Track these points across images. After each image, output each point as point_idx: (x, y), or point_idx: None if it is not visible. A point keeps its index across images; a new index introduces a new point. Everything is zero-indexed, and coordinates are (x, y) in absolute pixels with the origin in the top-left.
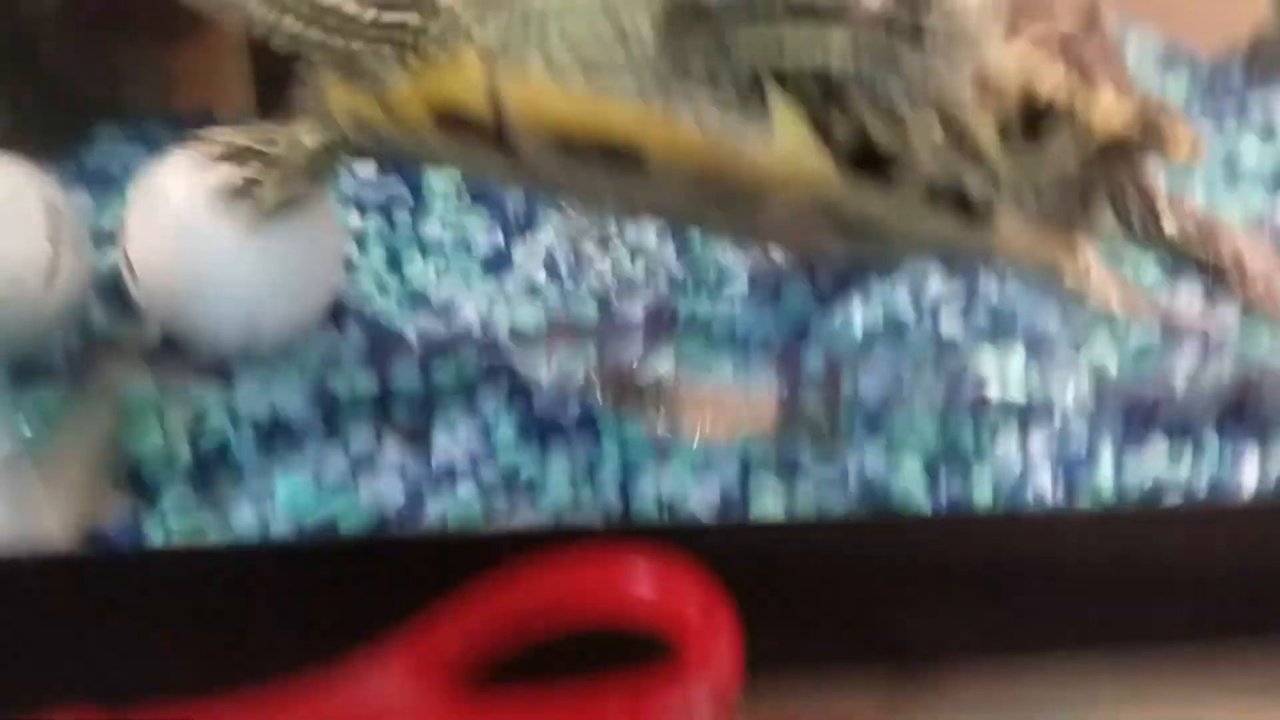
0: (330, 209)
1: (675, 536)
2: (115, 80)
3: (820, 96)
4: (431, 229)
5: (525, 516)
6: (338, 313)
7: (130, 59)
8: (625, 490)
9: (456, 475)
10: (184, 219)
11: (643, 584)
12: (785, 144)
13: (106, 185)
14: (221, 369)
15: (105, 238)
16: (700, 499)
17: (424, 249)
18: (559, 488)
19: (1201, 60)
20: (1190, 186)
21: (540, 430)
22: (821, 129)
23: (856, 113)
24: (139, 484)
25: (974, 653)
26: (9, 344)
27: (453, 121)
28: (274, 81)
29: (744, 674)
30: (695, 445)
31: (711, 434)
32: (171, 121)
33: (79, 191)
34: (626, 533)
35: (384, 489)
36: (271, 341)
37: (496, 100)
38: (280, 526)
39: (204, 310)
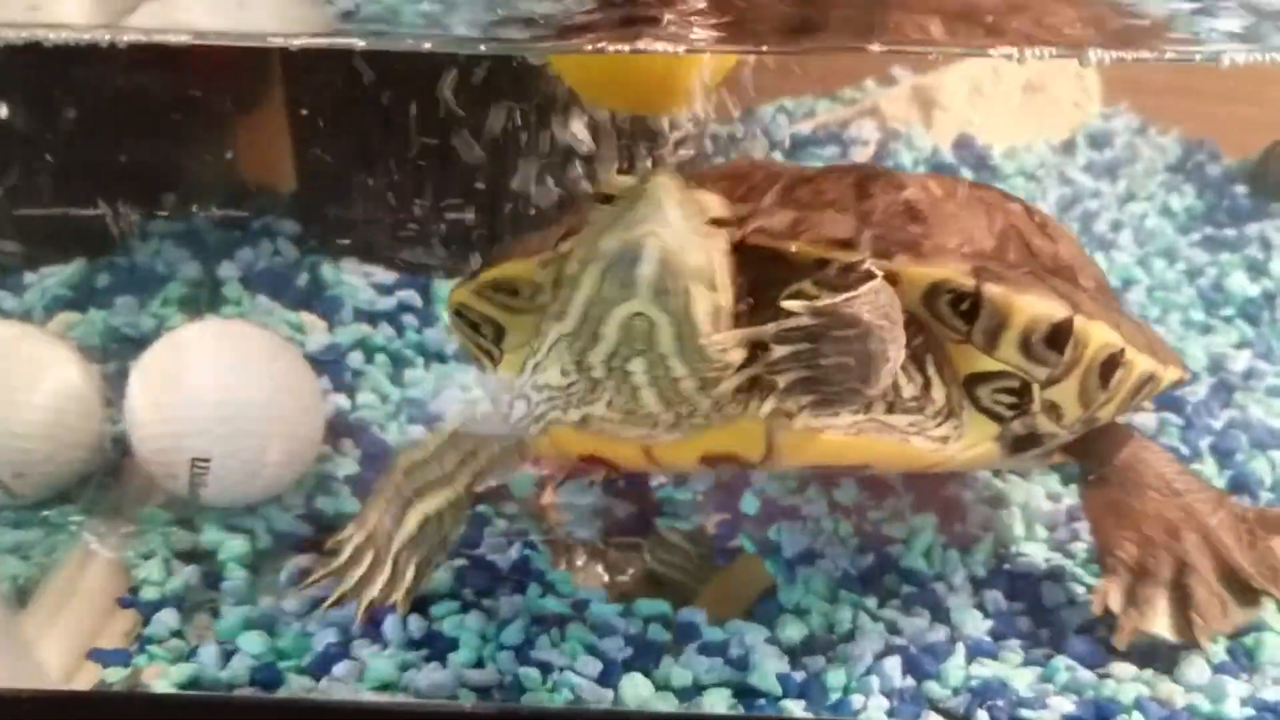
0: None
1: None
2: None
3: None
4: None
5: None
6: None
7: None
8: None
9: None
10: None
11: None
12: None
13: (153, 286)
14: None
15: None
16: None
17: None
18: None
19: (1221, 163)
20: (1169, 318)
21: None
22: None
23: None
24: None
25: None
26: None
27: None
28: (311, 154)
29: None
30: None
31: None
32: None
33: (127, 295)
34: None
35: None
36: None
37: None
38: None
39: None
